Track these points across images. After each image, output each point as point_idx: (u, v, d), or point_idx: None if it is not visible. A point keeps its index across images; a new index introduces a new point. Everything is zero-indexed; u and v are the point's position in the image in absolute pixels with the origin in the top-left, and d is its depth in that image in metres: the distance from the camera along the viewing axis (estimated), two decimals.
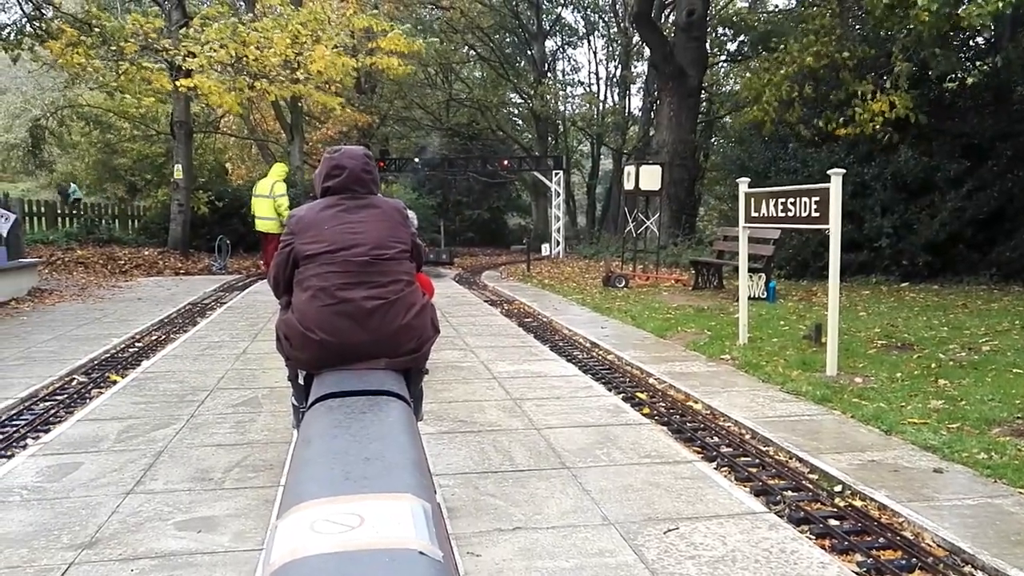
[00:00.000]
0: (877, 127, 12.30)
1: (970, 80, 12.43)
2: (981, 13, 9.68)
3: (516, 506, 3.40)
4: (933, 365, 6.18)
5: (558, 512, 3.34)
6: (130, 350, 7.19)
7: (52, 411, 5.09)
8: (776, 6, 23.85)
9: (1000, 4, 9.26)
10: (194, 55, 12.39)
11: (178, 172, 15.87)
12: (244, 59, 12.85)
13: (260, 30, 12.93)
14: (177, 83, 13.10)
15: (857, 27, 14.32)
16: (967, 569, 2.94)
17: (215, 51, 12.47)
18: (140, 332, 7.96)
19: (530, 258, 17.26)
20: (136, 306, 9.79)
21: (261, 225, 13.38)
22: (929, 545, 3.15)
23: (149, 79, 13.04)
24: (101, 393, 5.50)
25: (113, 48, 12.58)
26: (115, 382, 5.83)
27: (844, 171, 6.05)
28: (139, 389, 5.53)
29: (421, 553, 1.39)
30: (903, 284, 12.36)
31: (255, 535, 3.08)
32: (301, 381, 2.89)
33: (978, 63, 14.30)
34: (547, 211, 24.43)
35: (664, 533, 3.15)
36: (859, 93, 12.56)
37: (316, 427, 2.13)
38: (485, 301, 11.25)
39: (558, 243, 21.04)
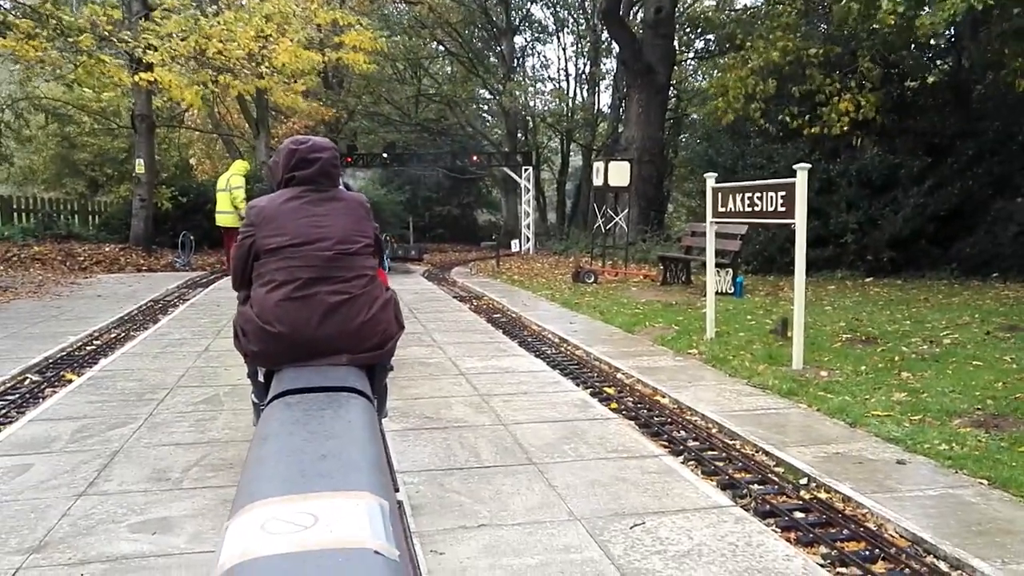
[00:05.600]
0: (845, 127, 12.48)
1: (931, 79, 12.67)
2: (934, 21, 10.01)
3: (481, 503, 3.36)
4: (896, 358, 6.26)
5: (524, 508, 3.31)
6: (87, 348, 7.01)
7: (3, 411, 4.92)
8: (744, 5, 24.05)
9: (953, 11, 9.56)
10: (155, 48, 12.11)
11: (140, 167, 15.53)
12: (206, 52, 12.58)
13: (223, 23, 12.68)
14: (136, 76, 12.80)
15: (822, 26, 14.50)
16: (928, 559, 2.97)
17: (176, 45, 12.20)
18: (99, 330, 7.76)
19: (500, 254, 17.20)
20: (95, 303, 9.55)
21: (220, 220, 13.23)
22: (892, 536, 3.17)
23: (108, 72, 12.71)
24: (55, 392, 5.34)
25: (70, 40, 12.23)
26: (70, 381, 5.66)
27: (809, 166, 6.10)
28: (95, 388, 5.38)
29: (376, 552, 1.34)
30: (868, 279, 12.54)
31: (212, 536, 2.99)
32: (261, 378, 2.81)
33: (938, 62, 14.61)
34: (517, 207, 24.38)
35: (631, 528, 3.12)
36: (825, 92, 12.73)
37: (272, 424, 2.06)
38: (454, 297, 11.18)
39: (528, 239, 21.01)
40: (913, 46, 13.94)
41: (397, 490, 3.30)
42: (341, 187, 2.98)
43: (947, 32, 13.77)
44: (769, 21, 14.05)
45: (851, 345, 6.93)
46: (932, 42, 14.73)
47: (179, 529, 3.07)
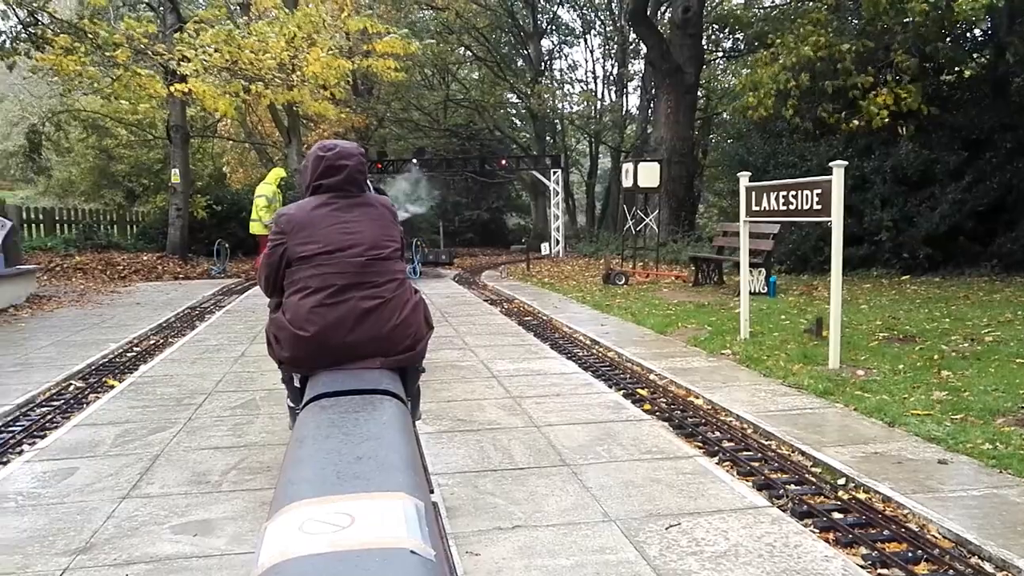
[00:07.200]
0: (886, 120, 12.26)
1: (968, 72, 12.41)
2: (974, 7, 9.79)
3: (516, 504, 3.37)
4: (936, 356, 6.14)
5: (558, 510, 3.31)
6: (128, 355, 7.16)
7: (49, 417, 5.06)
8: (773, 2, 23.79)
9: None
10: (188, 59, 12.35)
11: (175, 176, 15.86)
12: (239, 62, 12.79)
13: (255, 33, 12.87)
14: (172, 88, 13.06)
15: (854, 20, 14.29)
16: (973, 560, 2.91)
17: (210, 56, 12.41)
18: (138, 337, 7.92)
19: (530, 257, 17.21)
20: (135, 311, 9.76)
21: (252, 227, 13.57)
22: (935, 537, 3.11)
23: (144, 85, 12.98)
24: (98, 398, 5.47)
25: (108, 54, 12.53)
26: (112, 387, 5.80)
27: (845, 163, 6.02)
28: (136, 393, 5.49)
29: (413, 552, 1.36)
30: (904, 277, 12.31)
31: (252, 538, 3.03)
32: (297, 383, 2.85)
33: (975, 55, 14.29)
34: (546, 210, 24.36)
35: (666, 529, 3.11)
36: (859, 86, 12.53)
37: (308, 427, 2.09)
38: (485, 300, 11.21)
39: (558, 242, 20.99)
40: (948, 39, 13.67)
41: (432, 491, 3.33)
42: (371, 191, 3.02)
43: (985, 23, 13.47)
44: (800, 18, 13.88)
45: (888, 344, 6.81)
46: (968, 34, 14.44)
47: (219, 531, 3.13)
